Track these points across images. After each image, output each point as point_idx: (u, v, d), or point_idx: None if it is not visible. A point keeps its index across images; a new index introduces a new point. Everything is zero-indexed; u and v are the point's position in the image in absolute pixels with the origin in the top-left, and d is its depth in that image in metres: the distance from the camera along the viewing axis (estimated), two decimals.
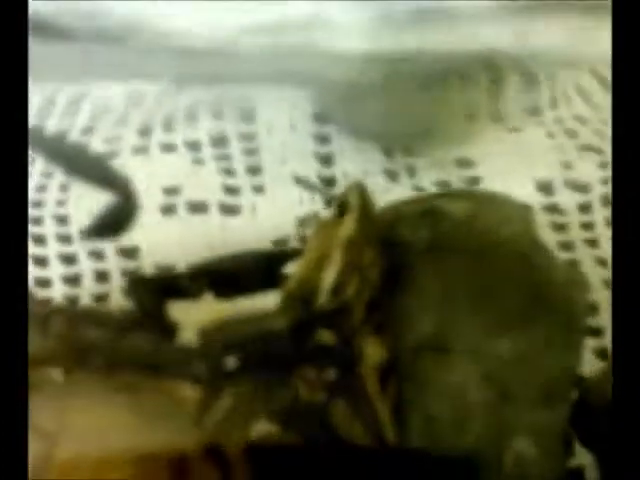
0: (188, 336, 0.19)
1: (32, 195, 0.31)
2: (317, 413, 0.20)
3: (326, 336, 0.19)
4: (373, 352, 0.19)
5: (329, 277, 0.20)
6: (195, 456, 0.18)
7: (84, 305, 0.26)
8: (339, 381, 0.20)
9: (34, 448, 0.16)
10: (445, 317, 0.21)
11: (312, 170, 0.31)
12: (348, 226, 0.20)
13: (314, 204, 0.31)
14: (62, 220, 0.31)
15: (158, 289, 0.21)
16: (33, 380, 0.17)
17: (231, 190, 0.32)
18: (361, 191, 0.20)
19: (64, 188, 0.31)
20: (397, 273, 0.21)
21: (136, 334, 0.18)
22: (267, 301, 0.20)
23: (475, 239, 0.21)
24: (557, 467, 0.22)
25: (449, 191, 0.23)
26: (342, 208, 0.20)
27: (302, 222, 0.21)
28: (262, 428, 0.19)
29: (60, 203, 0.31)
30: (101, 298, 0.29)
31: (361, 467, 0.19)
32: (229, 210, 0.31)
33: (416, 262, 0.21)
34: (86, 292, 0.29)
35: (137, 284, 0.21)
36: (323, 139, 0.32)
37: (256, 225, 0.31)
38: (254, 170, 0.32)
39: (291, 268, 0.21)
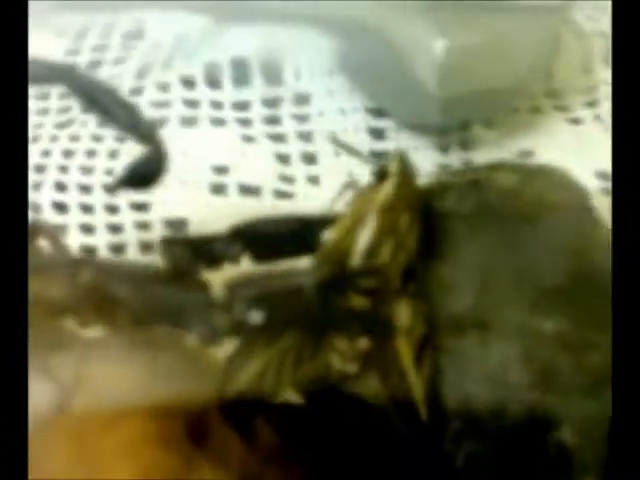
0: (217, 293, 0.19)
1: (80, 160, 0.31)
2: (347, 385, 0.19)
3: (358, 301, 0.18)
4: (408, 321, 0.19)
5: (363, 239, 0.19)
6: (215, 416, 0.17)
7: (115, 259, 0.25)
8: (372, 351, 0.19)
9: (50, 397, 0.16)
10: (485, 290, 0.20)
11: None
12: (385, 191, 0.19)
13: None
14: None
15: (194, 252, 0.20)
16: (54, 330, 0.17)
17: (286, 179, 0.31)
18: (401, 158, 0.20)
19: (114, 154, 0.31)
20: (437, 241, 0.20)
21: (164, 289, 0.18)
22: (302, 264, 0.20)
23: (521, 208, 0.20)
24: (601, 459, 0.20)
25: (498, 163, 0.22)
26: (382, 175, 0.20)
27: (344, 188, 0.20)
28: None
29: (108, 171, 0.31)
30: None
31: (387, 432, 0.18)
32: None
33: (458, 230, 0.20)
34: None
35: (172, 245, 0.20)
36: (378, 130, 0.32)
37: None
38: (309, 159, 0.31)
39: (327, 233, 0.21)
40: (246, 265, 0.21)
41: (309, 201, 0.31)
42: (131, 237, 0.29)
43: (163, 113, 0.32)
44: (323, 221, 0.21)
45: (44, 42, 0.33)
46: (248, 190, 0.31)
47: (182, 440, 0.17)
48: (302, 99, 0.33)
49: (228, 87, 0.33)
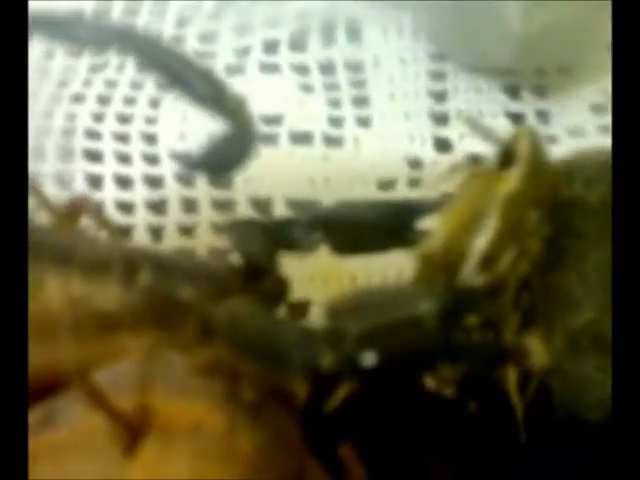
0: (300, 295, 0.15)
1: (118, 108, 0.28)
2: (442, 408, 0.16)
3: (472, 321, 0.15)
4: (521, 348, 0.15)
5: (481, 241, 0.15)
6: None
7: (175, 253, 0.22)
8: (472, 375, 0.16)
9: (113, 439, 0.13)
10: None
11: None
12: (512, 180, 0.16)
13: (424, 143, 0.27)
14: (150, 139, 0.28)
15: (268, 237, 0.17)
16: (110, 349, 0.14)
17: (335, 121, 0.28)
18: (533, 139, 0.16)
19: (154, 103, 0.28)
20: (560, 243, 0.16)
21: (238, 297, 0.15)
22: (392, 263, 0.16)
23: None
24: None
25: None
26: (507, 158, 0.16)
27: (452, 169, 0.17)
28: None
29: (149, 120, 0.28)
30: (187, 231, 0.26)
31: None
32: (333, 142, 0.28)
33: (584, 227, 0.17)
34: (171, 222, 0.26)
35: (245, 229, 0.17)
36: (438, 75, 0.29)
37: (360, 160, 0.27)
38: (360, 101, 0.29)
39: (429, 224, 0.17)
40: (324, 256, 0.17)
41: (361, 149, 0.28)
42: (172, 193, 0.26)
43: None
44: (422, 207, 0.17)
45: None
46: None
47: None
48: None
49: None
